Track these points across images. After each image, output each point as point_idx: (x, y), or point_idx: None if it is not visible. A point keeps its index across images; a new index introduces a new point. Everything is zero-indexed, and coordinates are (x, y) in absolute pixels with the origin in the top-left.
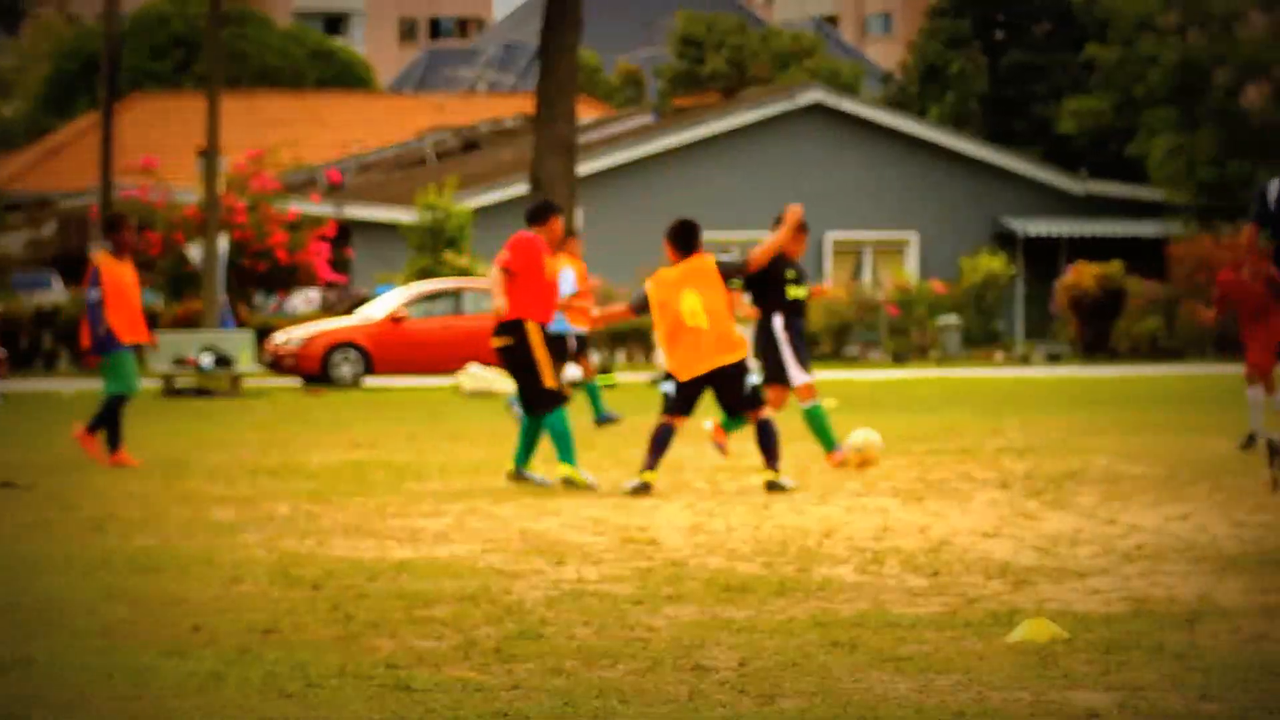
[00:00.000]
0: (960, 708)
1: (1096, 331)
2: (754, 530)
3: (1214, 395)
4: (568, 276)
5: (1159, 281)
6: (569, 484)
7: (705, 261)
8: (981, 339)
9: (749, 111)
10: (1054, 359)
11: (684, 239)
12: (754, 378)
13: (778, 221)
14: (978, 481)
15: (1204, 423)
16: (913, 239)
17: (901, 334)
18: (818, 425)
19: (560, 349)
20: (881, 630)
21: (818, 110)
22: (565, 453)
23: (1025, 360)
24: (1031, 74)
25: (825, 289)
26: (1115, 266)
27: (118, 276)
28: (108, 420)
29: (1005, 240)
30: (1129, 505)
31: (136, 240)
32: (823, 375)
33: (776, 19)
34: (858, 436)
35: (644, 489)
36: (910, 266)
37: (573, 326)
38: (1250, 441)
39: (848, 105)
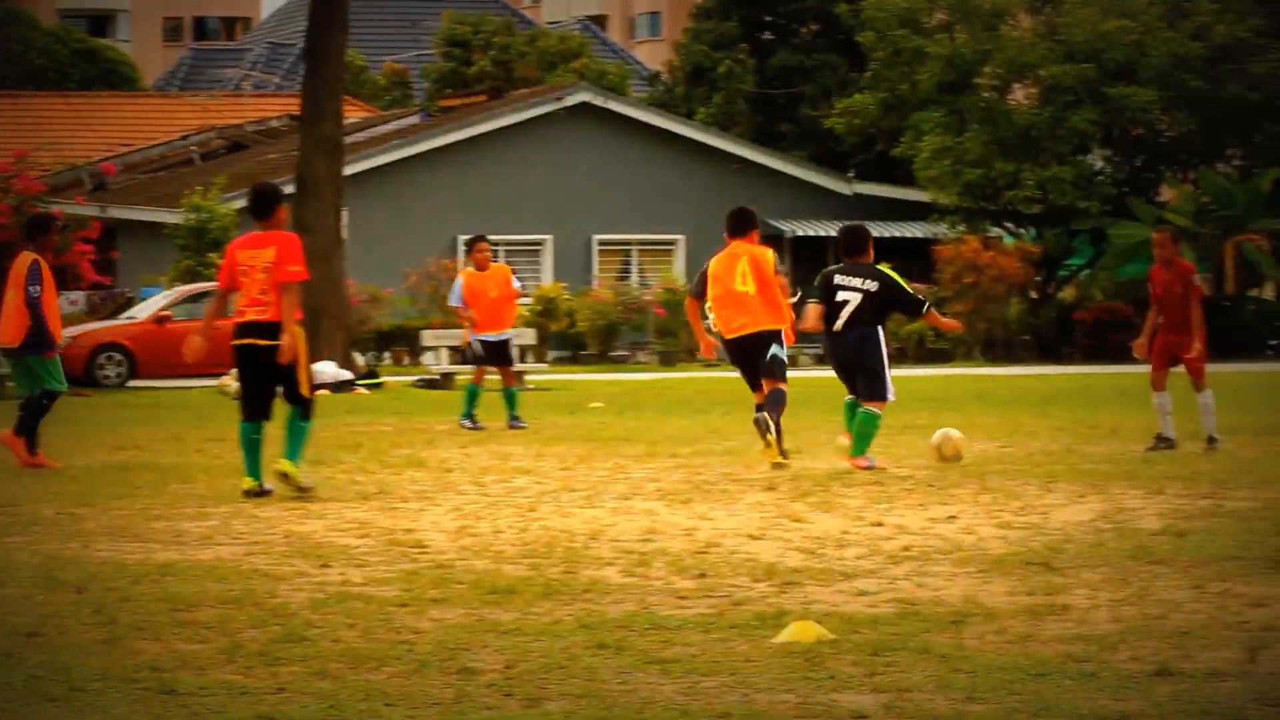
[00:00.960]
0: (726, 709)
1: None
2: (520, 532)
3: (978, 396)
4: (455, 287)
5: (926, 283)
6: (284, 478)
7: (758, 247)
8: None
9: (516, 112)
10: (821, 360)
11: (737, 222)
12: (782, 351)
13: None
14: (744, 483)
15: (970, 424)
16: (680, 240)
17: (669, 335)
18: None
19: (503, 353)
20: (648, 632)
21: (585, 111)
22: (295, 451)
23: (793, 362)
24: (799, 75)
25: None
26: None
27: (49, 276)
28: (36, 418)
29: (773, 241)
30: (895, 507)
31: (59, 242)
32: (590, 377)
33: (544, 19)
34: (938, 435)
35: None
36: (678, 268)
37: (478, 334)
38: (1162, 443)
39: (615, 106)
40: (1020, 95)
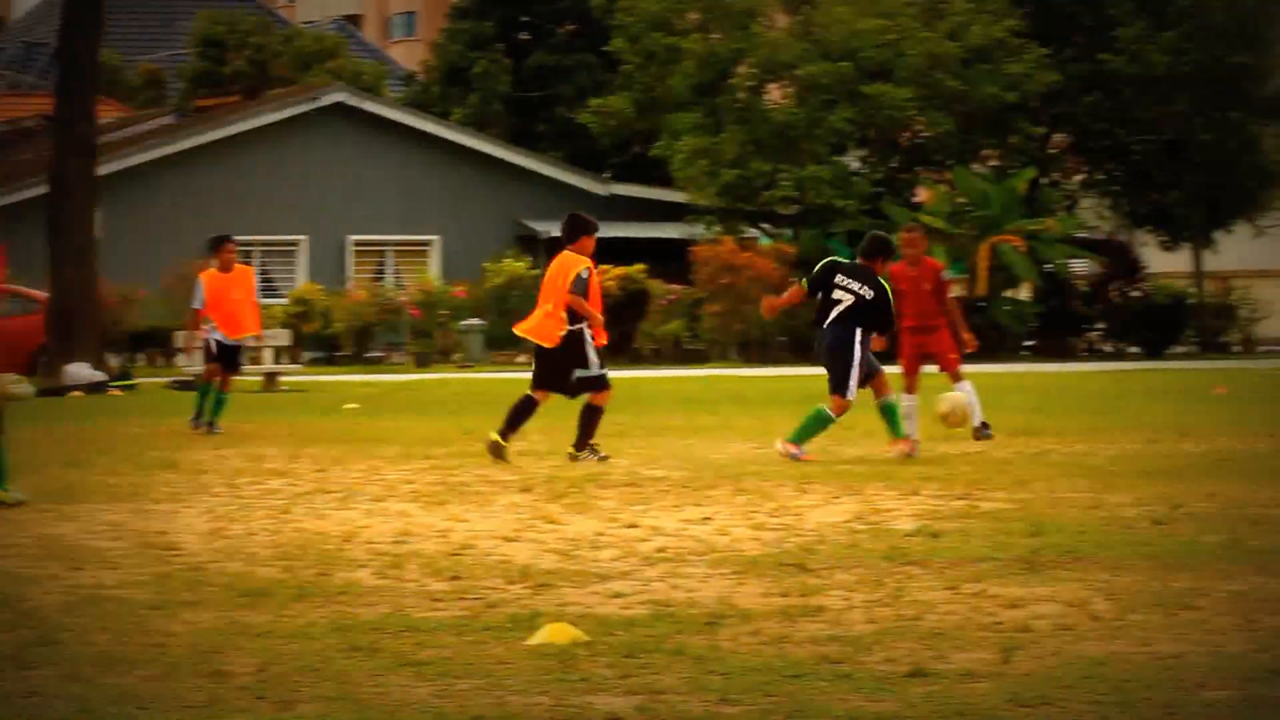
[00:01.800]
0: (480, 711)
1: (619, 333)
2: (274, 535)
3: (733, 397)
4: (197, 288)
5: (682, 284)
6: None
7: (570, 257)
8: (505, 341)
9: (271, 112)
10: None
11: (565, 230)
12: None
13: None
14: (499, 485)
15: (724, 425)
16: (435, 241)
17: (424, 336)
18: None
19: (233, 359)
20: (401, 634)
21: (340, 111)
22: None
23: None
24: (555, 75)
25: None
26: (638, 269)
27: None
28: None
29: (528, 242)
30: (650, 508)
31: None
32: (345, 378)
33: (299, 19)
34: (945, 401)
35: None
36: (433, 268)
37: (226, 337)
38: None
39: (370, 106)
40: (777, 95)
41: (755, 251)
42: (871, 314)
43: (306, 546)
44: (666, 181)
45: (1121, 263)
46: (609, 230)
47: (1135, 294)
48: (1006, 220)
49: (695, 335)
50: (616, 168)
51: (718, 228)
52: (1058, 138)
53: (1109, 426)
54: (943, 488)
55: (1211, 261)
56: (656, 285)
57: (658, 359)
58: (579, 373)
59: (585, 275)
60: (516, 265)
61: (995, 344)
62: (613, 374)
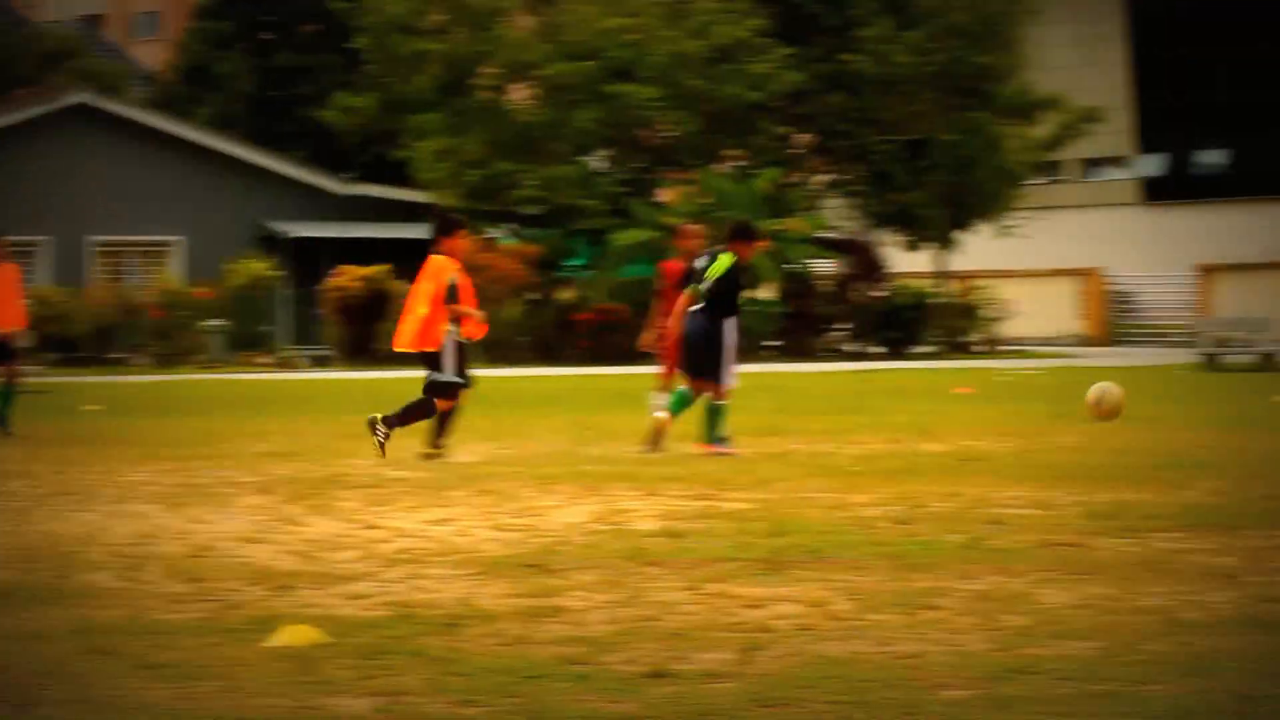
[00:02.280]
0: (219, 713)
1: (360, 334)
2: (11, 536)
3: (476, 398)
4: None
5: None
6: None
7: (438, 260)
8: (247, 342)
9: (13, 113)
10: (320, 362)
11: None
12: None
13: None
14: (240, 486)
15: (467, 426)
16: (178, 242)
17: (166, 338)
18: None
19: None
20: (140, 637)
21: (82, 112)
22: None
23: (290, 364)
24: (300, 75)
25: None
26: (381, 269)
27: None
28: None
29: (270, 243)
30: (392, 509)
31: None
32: (86, 379)
33: (42, 18)
34: (1094, 391)
35: None
36: (175, 269)
37: None
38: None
39: (112, 107)
40: (522, 95)
41: (497, 252)
42: (721, 300)
43: (44, 548)
44: (409, 182)
45: (864, 263)
46: (351, 231)
47: (878, 294)
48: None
49: None
50: (360, 168)
51: None
52: (802, 138)
53: (852, 427)
54: (684, 488)
55: (954, 262)
56: (399, 286)
57: (399, 360)
58: (431, 375)
59: (454, 284)
60: (258, 266)
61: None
62: (353, 375)
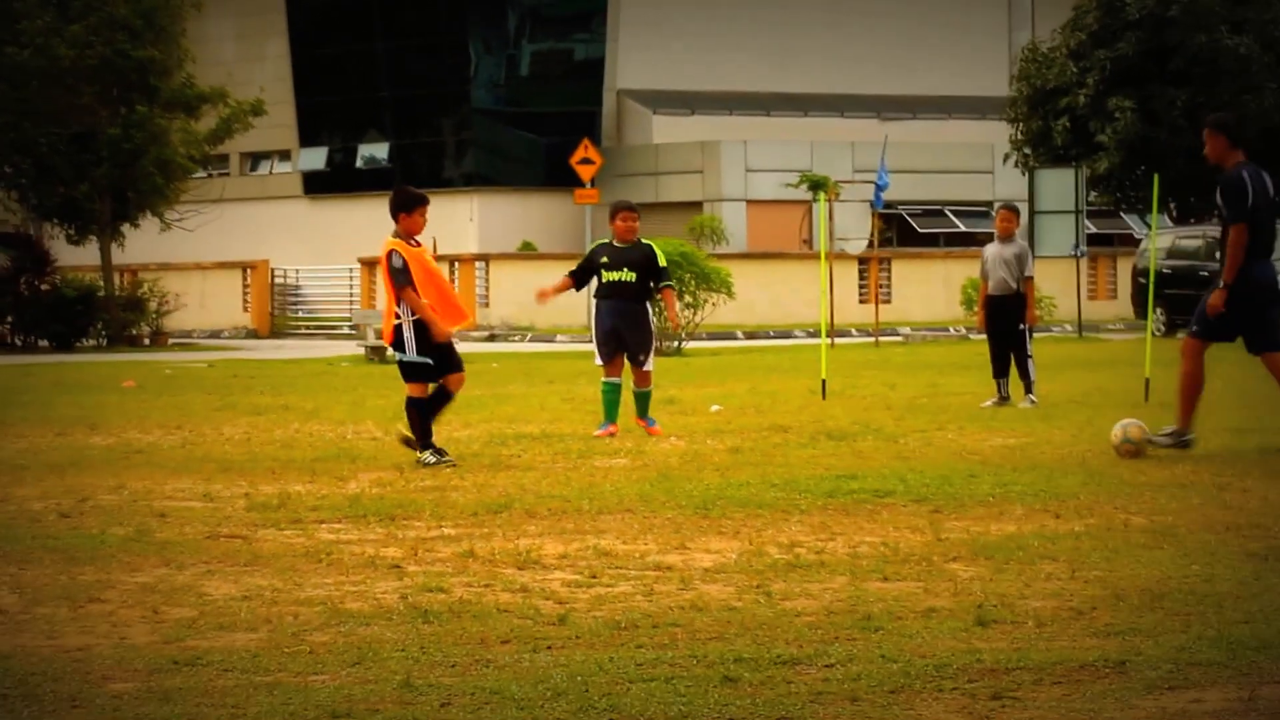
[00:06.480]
0: None
1: None
2: None
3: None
4: None
5: None
6: None
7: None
8: None
9: None
10: None
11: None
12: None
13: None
14: None
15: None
16: None
17: None
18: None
19: None
20: None
21: None
22: None
23: None
24: None
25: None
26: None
27: None
28: None
29: None
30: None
31: None
32: None
33: None
34: (1117, 430)
35: None
36: None
37: None
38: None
39: None
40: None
41: None
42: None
43: None
44: None
45: (30, 256)
46: None
47: (44, 287)
48: None
49: None
50: None
51: None
52: None
53: (16, 420)
54: None
55: (121, 255)
56: None
57: None
58: (397, 356)
59: (400, 263)
60: None
61: None
62: None
